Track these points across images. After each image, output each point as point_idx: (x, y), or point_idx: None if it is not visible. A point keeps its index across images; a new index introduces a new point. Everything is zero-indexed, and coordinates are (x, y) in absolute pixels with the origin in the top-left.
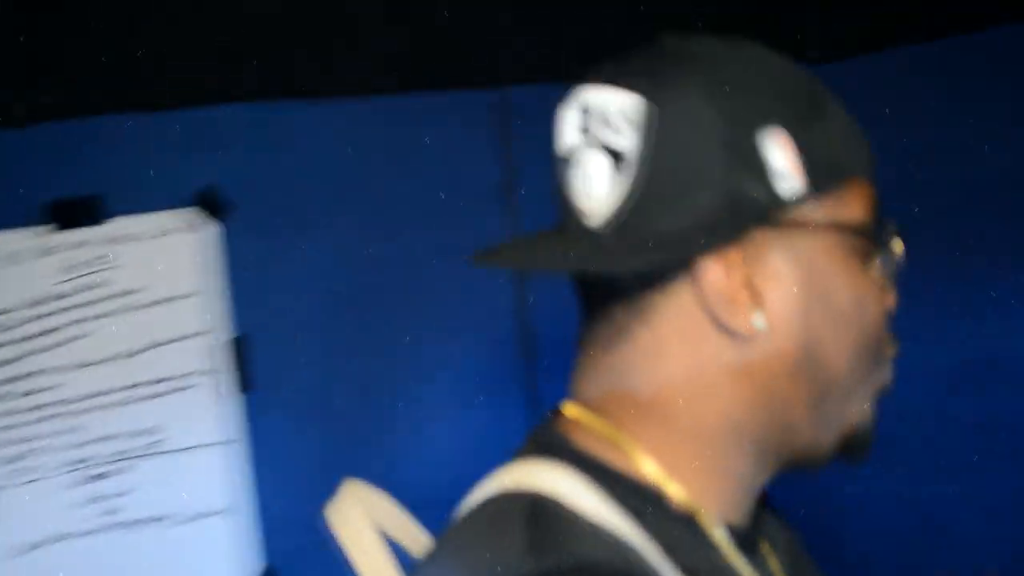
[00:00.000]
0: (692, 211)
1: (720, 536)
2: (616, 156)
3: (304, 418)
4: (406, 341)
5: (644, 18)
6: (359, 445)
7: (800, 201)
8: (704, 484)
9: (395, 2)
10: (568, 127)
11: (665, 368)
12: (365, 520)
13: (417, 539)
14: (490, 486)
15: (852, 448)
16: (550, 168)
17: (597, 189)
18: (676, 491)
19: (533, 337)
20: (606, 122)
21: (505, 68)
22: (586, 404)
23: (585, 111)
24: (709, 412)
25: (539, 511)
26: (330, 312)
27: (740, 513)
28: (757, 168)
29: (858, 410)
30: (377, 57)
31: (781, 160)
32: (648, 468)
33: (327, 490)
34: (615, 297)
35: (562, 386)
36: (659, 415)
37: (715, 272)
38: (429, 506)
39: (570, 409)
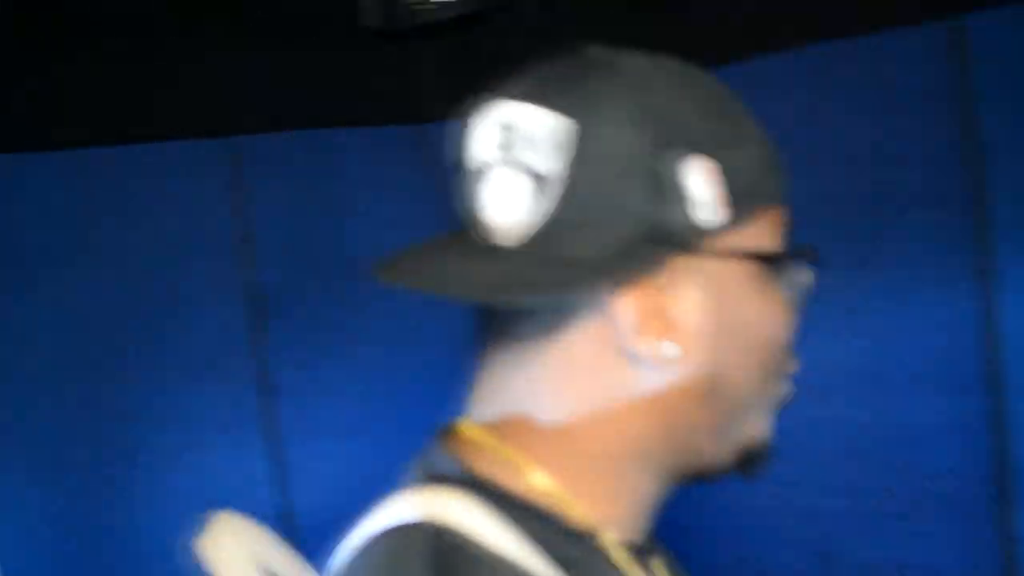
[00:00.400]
0: (610, 238)
1: (621, 556)
2: (536, 177)
3: (39, 473)
4: (141, 390)
5: (386, 60)
6: (98, 496)
7: (717, 230)
8: (605, 504)
9: (129, 53)
10: (483, 141)
11: (572, 392)
12: (242, 555)
13: (299, 573)
14: (383, 517)
15: (750, 462)
16: (290, 215)
17: (513, 209)
18: (577, 512)
19: (269, 378)
20: (529, 142)
21: (238, 118)
22: (483, 424)
23: (505, 128)
24: (614, 437)
25: (441, 547)
26: (63, 365)
27: (638, 530)
28: (678, 197)
29: (757, 427)
30: (109, 108)
31: (702, 190)
32: (548, 490)
33: (65, 544)
34: (525, 318)
35: (301, 424)
36: (563, 438)
37: (626, 300)
38: (171, 552)
39: (466, 430)
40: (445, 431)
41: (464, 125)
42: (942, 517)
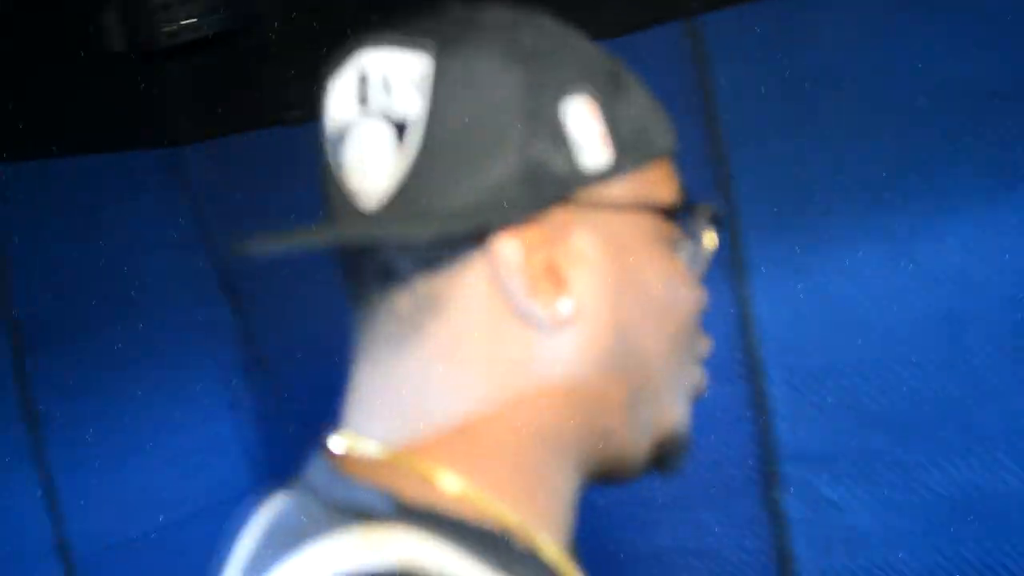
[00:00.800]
0: (485, 184)
1: (564, 565)
2: (399, 126)
3: None
4: None
5: (135, 83)
6: None
7: (606, 176)
8: (530, 505)
9: None
10: (340, 100)
11: (465, 371)
12: None
13: None
14: (320, 572)
15: (667, 455)
16: (48, 244)
17: (376, 164)
18: (508, 518)
19: (35, 408)
20: (387, 87)
21: None
22: (377, 433)
23: (363, 79)
24: (522, 421)
25: None
26: None
27: (567, 531)
28: (559, 138)
29: (673, 412)
30: None
31: (586, 131)
32: (475, 500)
33: None
34: (398, 286)
35: (71, 454)
36: (472, 434)
37: (512, 252)
38: None
39: (362, 447)
40: (331, 451)
41: (323, 91)
42: (716, 503)
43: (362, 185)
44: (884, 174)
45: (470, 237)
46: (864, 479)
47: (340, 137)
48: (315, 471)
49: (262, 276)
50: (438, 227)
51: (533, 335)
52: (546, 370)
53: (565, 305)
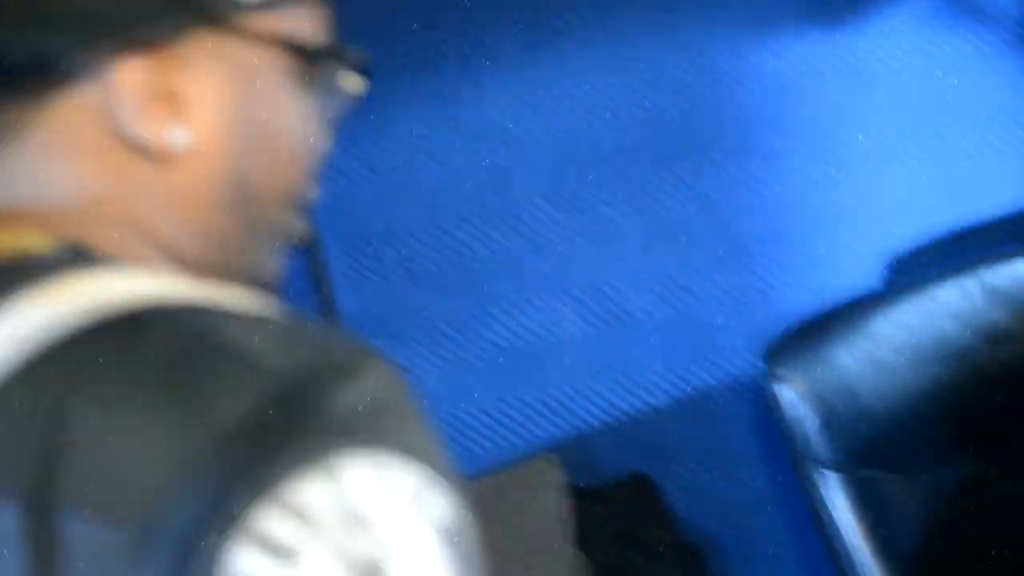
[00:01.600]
0: None
1: None
2: None
3: None
4: None
5: None
6: None
7: (253, 7)
8: None
9: None
10: None
11: (67, 184)
12: None
13: None
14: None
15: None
16: None
17: None
18: None
19: None
20: None
21: None
22: None
23: None
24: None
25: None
26: None
27: None
28: None
29: (267, 257)
30: None
31: None
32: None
33: None
34: (4, 83)
35: None
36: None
37: (131, 70)
38: None
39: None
40: None
41: None
42: None
43: None
44: (424, 36)
45: (87, 46)
46: (427, 340)
47: None
48: None
49: None
50: (60, 27)
51: (142, 161)
52: (156, 197)
53: (178, 135)
